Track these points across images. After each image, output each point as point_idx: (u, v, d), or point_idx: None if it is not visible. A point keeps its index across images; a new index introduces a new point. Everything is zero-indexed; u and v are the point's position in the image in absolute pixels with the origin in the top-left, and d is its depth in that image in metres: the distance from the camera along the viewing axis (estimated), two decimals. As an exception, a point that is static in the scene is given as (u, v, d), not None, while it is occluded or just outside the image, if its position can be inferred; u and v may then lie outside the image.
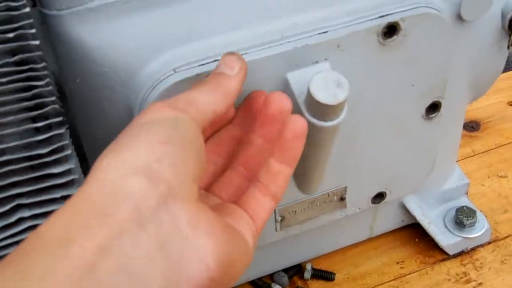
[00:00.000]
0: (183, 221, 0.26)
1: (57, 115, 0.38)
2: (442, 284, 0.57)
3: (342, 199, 0.51)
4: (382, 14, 0.40)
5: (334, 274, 0.58)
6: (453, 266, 0.58)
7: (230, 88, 0.33)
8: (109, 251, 0.24)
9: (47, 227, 0.25)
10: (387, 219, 0.60)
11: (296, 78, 0.39)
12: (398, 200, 0.58)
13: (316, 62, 0.40)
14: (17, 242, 0.38)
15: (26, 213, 0.38)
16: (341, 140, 0.43)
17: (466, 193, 0.62)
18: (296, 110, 0.37)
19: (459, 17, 0.44)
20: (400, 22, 0.41)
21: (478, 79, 0.51)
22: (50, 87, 0.37)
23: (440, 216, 0.60)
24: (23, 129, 0.37)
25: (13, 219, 0.38)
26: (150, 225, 0.25)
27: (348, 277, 0.58)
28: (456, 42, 0.45)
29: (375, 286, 0.57)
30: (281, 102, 0.35)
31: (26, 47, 0.35)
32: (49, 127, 0.38)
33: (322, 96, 0.35)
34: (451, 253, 0.59)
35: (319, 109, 0.36)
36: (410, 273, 0.58)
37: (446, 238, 0.59)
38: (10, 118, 0.36)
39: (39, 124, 0.37)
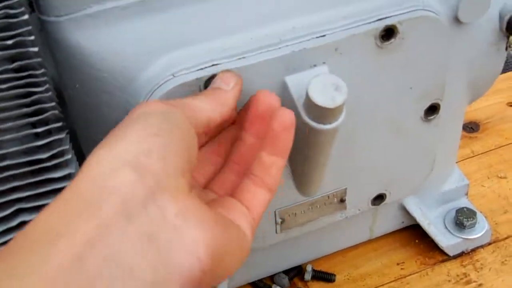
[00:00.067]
0: (171, 213, 0.26)
1: (56, 120, 0.38)
2: (442, 285, 0.57)
3: (342, 201, 0.51)
4: (379, 17, 0.40)
5: (335, 275, 0.58)
6: (453, 267, 0.58)
7: (226, 100, 0.34)
8: (97, 243, 0.24)
9: (38, 221, 0.25)
10: (387, 220, 0.60)
11: (295, 82, 0.39)
12: (398, 201, 0.58)
13: (314, 65, 0.40)
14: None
15: (27, 217, 0.38)
16: (341, 143, 0.43)
17: (466, 194, 0.62)
18: (295, 113, 0.37)
19: (457, 20, 0.44)
20: (398, 25, 0.41)
21: (477, 81, 0.51)
22: (50, 93, 0.37)
23: (440, 217, 0.60)
24: (23, 135, 0.37)
25: (14, 223, 0.38)
26: (137, 217, 0.25)
27: (348, 279, 0.58)
28: (454, 45, 0.45)
29: (376, 287, 0.57)
30: (269, 99, 0.36)
31: (25, 53, 0.36)
32: (49, 133, 0.38)
33: (321, 99, 0.35)
34: (451, 254, 0.59)
35: (317, 112, 0.36)
36: (410, 274, 0.58)
37: (446, 239, 0.59)
38: (10, 124, 0.36)
39: (39, 130, 0.37)
